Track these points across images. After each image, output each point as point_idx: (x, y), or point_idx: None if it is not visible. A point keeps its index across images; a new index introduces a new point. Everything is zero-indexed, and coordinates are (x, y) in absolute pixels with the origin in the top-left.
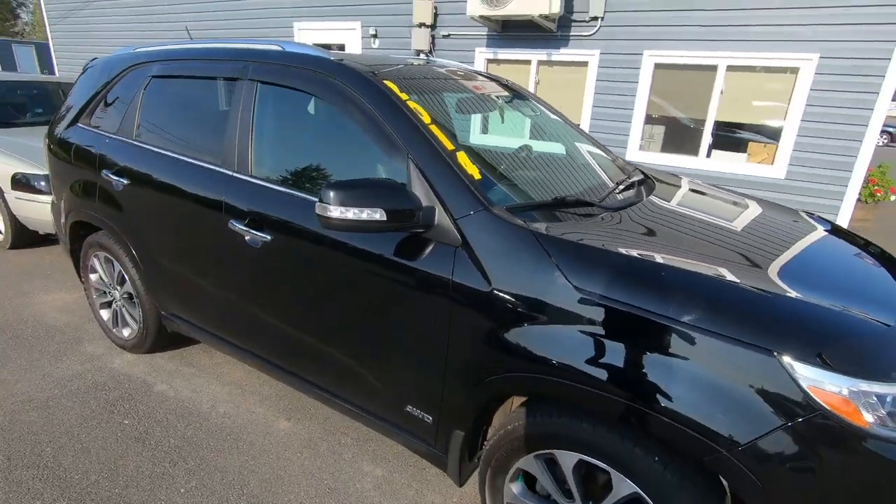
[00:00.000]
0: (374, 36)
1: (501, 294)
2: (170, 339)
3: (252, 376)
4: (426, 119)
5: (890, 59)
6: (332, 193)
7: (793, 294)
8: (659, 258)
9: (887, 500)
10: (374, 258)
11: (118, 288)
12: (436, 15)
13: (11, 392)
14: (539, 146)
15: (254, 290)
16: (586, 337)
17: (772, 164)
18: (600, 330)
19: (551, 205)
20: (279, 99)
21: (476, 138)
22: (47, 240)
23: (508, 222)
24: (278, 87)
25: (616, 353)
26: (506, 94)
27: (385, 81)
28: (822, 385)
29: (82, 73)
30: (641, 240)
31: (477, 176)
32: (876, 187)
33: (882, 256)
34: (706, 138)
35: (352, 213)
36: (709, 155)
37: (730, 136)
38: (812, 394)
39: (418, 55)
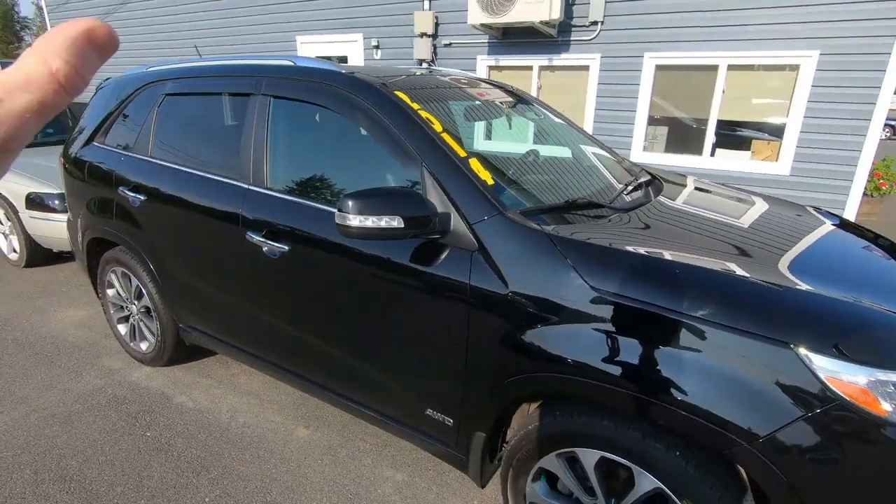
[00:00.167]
0: (377, 47)
1: (519, 296)
2: (187, 352)
3: (269, 386)
4: (438, 127)
5: (890, 53)
6: (350, 203)
7: (806, 287)
8: (672, 256)
9: None
10: (391, 265)
11: (135, 302)
12: (437, 24)
13: (34, 408)
14: (546, 150)
15: (272, 300)
16: (605, 336)
17: (776, 161)
18: (618, 328)
19: (563, 207)
20: (292, 112)
21: (484, 144)
22: (61, 257)
23: (523, 226)
24: (292, 101)
25: (635, 350)
26: (510, 99)
27: (396, 92)
28: (840, 375)
29: (95, 93)
30: (653, 239)
31: (490, 181)
32: (881, 181)
33: (892, 248)
34: (709, 137)
35: (370, 222)
36: (713, 154)
37: (733, 135)
38: (830, 384)
39: (421, 65)
